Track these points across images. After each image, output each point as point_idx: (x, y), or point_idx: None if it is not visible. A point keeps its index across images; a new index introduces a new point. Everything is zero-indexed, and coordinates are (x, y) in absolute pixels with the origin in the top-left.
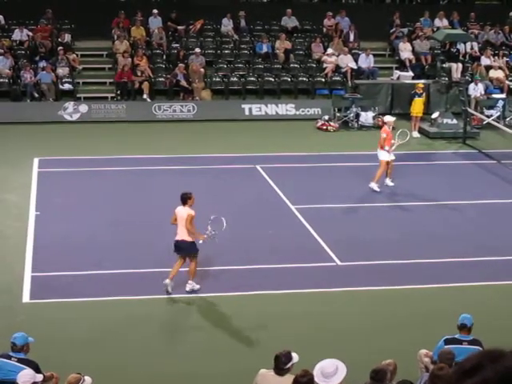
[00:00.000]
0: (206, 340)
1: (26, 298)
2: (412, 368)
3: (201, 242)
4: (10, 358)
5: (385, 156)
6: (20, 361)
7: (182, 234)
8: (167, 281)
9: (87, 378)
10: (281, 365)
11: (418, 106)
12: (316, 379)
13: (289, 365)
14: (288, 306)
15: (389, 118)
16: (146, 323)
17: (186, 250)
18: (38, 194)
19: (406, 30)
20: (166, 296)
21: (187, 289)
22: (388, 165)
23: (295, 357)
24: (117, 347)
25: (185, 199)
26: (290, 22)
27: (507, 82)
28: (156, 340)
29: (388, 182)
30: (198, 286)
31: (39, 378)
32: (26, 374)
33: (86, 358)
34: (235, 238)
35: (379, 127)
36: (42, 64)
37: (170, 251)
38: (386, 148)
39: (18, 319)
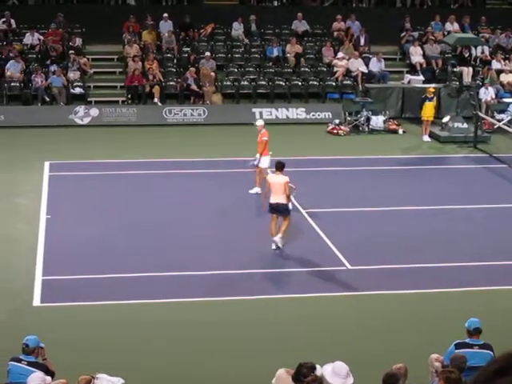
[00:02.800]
0: (217, 343)
1: (36, 301)
2: (422, 372)
3: (291, 207)
4: (20, 361)
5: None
6: (30, 364)
7: (278, 198)
8: (276, 239)
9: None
10: (300, 375)
11: (428, 110)
12: (329, 380)
13: (309, 378)
14: (298, 309)
15: (259, 122)
16: (156, 327)
17: (281, 211)
18: (48, 198)
19: (416, 34)
20: (177, 300)
21: (276, 238)
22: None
23: (319, 369)
24: (128, 350)
25: (281, 167)
26: (300, 25)
27: None
28: (166, 343)
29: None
30: (281, 245)
31: (49, 380)
32: (36, 377)
33: (97, 362)
34: (245, 242)
35: (390, 131)
36: (53, 68)
37: (184, 254)
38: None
39: (28, 323)
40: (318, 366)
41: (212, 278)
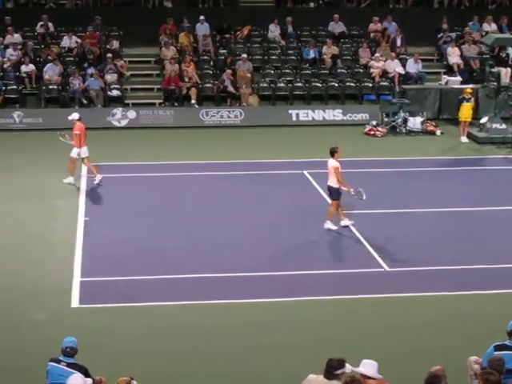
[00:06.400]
0: (261, 345)
1: (74, 302)
2: (461, 374)
3: (346, 190)
4: (59, 362)
5: (86, 152)
6: (69, 365)
7: (330, 181)
8: (326, 225)
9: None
10: (331, 369)
11: (466, 111)
12: (363, 369)
13: (339, 371)
14: (336, 311)
15: (73, 116)
16: (194, 329)
17: (330, 192)
18: (86, 200)
19: (454, 35)
20: (220, 301)
21: (324, 227)
22: (83, 161)
23: (348, 367)
24: (166, 354)
25: (332, 153)
26: (337, 27)
27: None
28: (204, 347)
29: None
30: (335, 227)
31: (89, 382)
32: (75, 378)
33: (135, 365)
34: (283, 244)
35: (427, 132)
36: (91, 70)
37: (222, 256)
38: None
39: (66, 324)
40: (347, 365)
41: (249, 280)
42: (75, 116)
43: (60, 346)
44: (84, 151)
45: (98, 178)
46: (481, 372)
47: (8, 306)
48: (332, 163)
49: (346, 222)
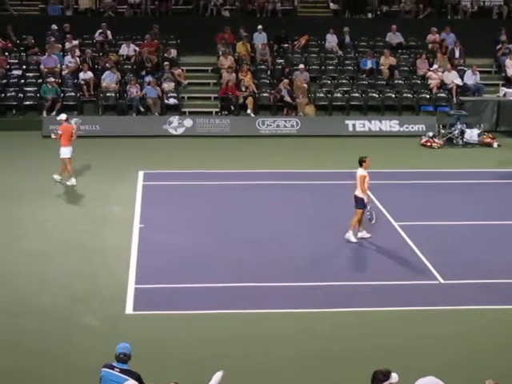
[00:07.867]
0: (310, 354)
1: (129, 309)
2: None
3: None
4: (112, 368)
5: (66, 153)
6: (123, 371)
7: (356, 190)
8: (345, 236)
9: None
10: (376, 381)
11: None
12: None
13: (385, 383)
14: (391, 323)
15: (61, 117)
16: (245, 338)
17: (356, 201)
18: (142, 207)
19: None
20: (275, 310)
21: (345, 236)
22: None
23: (395, 377)
24: (218, 363)
25: (360, 162)
26: (394, 37)
27: None
28: (255, 356)
29: (57, 177)
30: (354, 240)
31: None
32: None
33: (187, 372)
34: (337, 254)
35: (485, 145)
36: (148, 79)
37: (277, 266)
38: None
39: (120, 330)
40: (394, 375)
41: (300, 290)
42: (63, 117)
43: (114, 352)
44: (65, 151)
45: (72, 181)
46: None
47: (63, 313)
48: (360, 172)
49: (364, 234)
